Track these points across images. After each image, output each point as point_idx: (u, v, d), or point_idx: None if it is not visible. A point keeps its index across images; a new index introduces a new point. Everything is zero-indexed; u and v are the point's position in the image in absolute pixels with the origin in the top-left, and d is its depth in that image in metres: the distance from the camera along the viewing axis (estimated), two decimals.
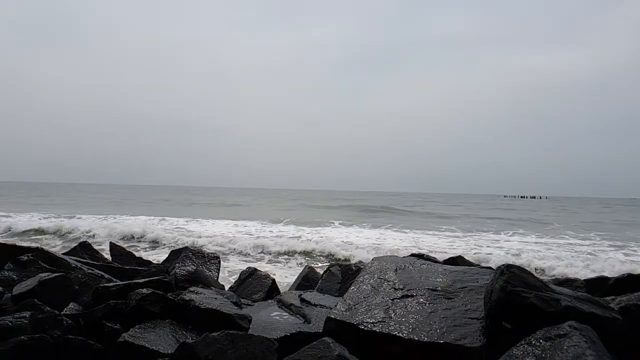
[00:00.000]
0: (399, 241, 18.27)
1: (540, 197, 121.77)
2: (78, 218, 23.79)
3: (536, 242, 18.91)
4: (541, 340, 2.64)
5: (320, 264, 12.58)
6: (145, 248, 15.32)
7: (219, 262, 5.83)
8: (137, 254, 7.37)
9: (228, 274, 10.37)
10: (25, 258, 4.81)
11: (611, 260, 13.57)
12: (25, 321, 3.38)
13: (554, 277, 7.87)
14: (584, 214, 45.99)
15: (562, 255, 14.48)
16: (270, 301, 5.04)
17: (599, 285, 4.70)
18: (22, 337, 3.23)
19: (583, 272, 11.42)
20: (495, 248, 16.56)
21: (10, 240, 12.87)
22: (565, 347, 2.48)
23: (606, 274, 7.34)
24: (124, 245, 8.34)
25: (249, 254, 14.28)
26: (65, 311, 3.98)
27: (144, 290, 3.92)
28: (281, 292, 5.73)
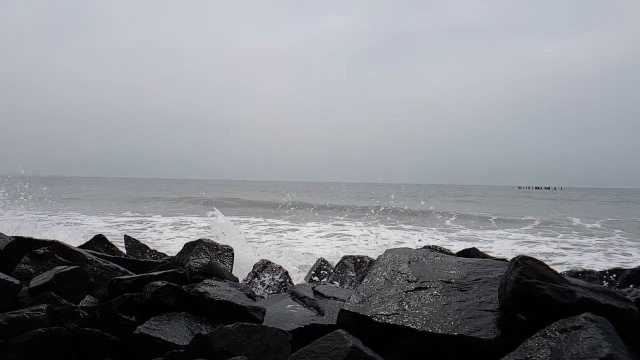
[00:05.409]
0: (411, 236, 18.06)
1: (555, 188, 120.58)
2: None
3: (546, 233, 18.71)
4: (556, 332, 2.62)
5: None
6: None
7: (233, 254, 5.83)
8: (151, 247, 7.43)
9: (242, 266, 10.37)
10: (42, 251, 4.85)
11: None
12: (42, 314, 3.42)
13: (569, 269, 7.80)
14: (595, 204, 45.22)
15: (575, 247, 14.34)
16: (283, 293, 5.05)
17: (615, 277, 4.66)
18: (40, 329, 3.27)
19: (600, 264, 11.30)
20: (506, 241, 16.37)
21: None
22: (580, 339, 2.46)
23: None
24: None
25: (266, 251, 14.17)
26: (82, 304, 4.02)
27: (159, 283, 3.96)
28: (294, 284, 5.75)
